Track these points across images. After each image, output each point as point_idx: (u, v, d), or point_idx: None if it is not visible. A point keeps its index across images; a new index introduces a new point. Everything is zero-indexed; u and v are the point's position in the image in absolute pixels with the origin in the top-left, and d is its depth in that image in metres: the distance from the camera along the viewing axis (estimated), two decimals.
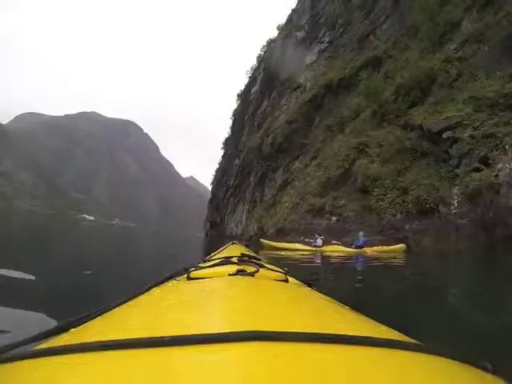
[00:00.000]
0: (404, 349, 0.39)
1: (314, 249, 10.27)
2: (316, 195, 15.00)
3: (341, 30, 26.96)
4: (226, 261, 1.11)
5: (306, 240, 11.11)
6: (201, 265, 1.17)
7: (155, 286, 0.85)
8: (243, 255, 1.30)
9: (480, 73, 11.71)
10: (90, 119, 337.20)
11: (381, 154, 12.50)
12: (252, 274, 0.86)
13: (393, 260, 7.37)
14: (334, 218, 12.90)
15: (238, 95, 47.42)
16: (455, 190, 9.88)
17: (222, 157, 49.37)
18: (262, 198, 27.30)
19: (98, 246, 9.36)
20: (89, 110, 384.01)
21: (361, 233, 10.29)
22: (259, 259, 1.35)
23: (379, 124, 14.52)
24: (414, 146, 11.81)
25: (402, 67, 15.64)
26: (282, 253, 9.02)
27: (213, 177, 51.45)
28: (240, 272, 0.88)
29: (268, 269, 1.04)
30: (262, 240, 11.73)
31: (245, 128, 40.67)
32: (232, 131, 47.62)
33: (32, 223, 16.03)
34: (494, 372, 0.40)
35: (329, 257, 8.30)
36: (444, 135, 10.79)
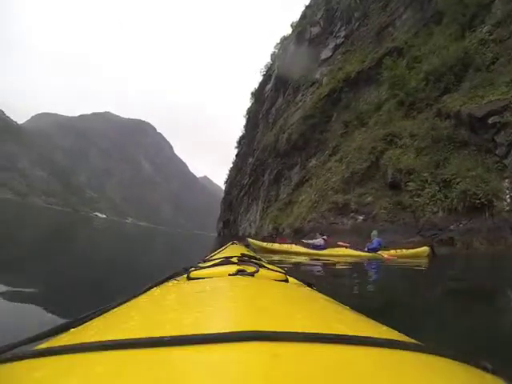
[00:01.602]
0: (404, 349, 0.38)
1: (314, 252, 8.49)
2: (338, 192, 13.42)
3: (357, 23, 25.33)
4: (226, 261, 1.09)
5: (305, 241, 9.36)
6: (201, 265, 1.15)
7: (155, 285, 0.83)
8: (243, 255, 1.29)
9: None
10: (104, 119, 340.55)
11: (414, 144, 10.97)
12: (252, 274, 0.85)
13: (419, 266, 5.95)
14: (361, 217, 11.33)
15: (252, 94, 46.18)
16: (506, 183, 8.36)
17: (236, 156, 48.13)
18: (277, 197, 25.92)
19: (103, 245, 8.08)
20: (103, 111, 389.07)
21: (374, 232, 8.71)
22: (259, 259, 1.34)
23: (407, 114, 13.03)
24: (451, 135, 10.29)
25: (429, 54, 14.22)
26: (275, 257, 7.12)
27: (226, 176, 50.52)
28: (240, 272, 0.86)
29: (268, 269, 1.01)
30: (249, 240, 9.71)
31: (259, 126, 39.44)
32: (246, 130, 46.43)
33: (44, 220, 15.28)
34: (494, 372, 0.38)
35: (333, 262, 6.68)
36: (490, 120, 9.26)
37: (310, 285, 1.08)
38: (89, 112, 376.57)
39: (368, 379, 0.30)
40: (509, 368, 0.39)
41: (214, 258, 1.49)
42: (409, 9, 19.87)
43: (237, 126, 60.83)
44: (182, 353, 0.33)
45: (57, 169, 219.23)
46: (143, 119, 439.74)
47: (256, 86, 45.72)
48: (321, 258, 7.73)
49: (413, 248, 7.88)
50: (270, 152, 29.95)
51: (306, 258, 7.72)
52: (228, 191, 46.42)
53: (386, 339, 0.39)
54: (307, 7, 35.52)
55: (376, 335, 0.40)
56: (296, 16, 38.64)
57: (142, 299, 0.70)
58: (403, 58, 15.51)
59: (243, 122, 48.85)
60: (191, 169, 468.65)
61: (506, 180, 8.38)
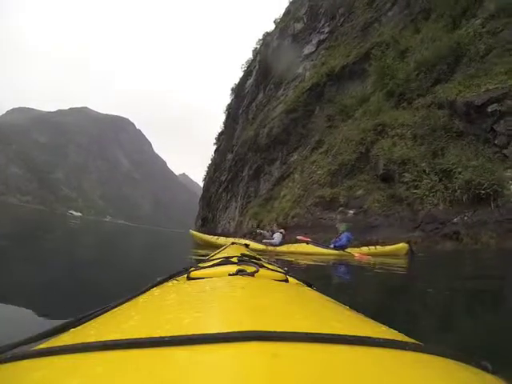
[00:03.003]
0: (404, 349, 0.38)
1: (267, 248, 7.34)
2: (325, 185, 12.44)
3: (342, 19, 24.67)
4: (226, 261, 1.07)
5: (259, 232, 8.36)
6: (201, 265, 1.14)
7: (155, 285, 0.84)
8: (243, 255, 1.28)
9: None
10: (82, 115, 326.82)
11: (407, 134, 10.20)
12: (252, 274, 0.83)
13: (399, 268, 4.90)
14: (352, 212, 10.36)
15: (232, 89, 44.85)
16: (509, 173, 7.71)
17: (215, 152, 46.63)
18: (256, 193, 24.88)
19: (73, 246, 6.69)
20: (81, 106, 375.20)
21: (344, 226, 7.56)
22: (259, 259, 1.32)
23: (398, 104, 12.30)
24: (446, 125, 9.62)
25: (417, 47, 13.70)
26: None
27: (205, 173, 48.88)
28: (240, 272, 0.85)
29: (268, 269, 1.00)
30: (192, 232, 8.61)
31: (239, 122, 38.30)
32: (225, 126, 45.09)
33: (12, 219, 13.39)
34: (494, 372, 0.39)
35: (290, 261, 5.39)
36: (489, 108, 8.63)
37: (309, 285, 1.05)
38: (66, 107, 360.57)
39: (368, 379, 0.30)
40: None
41: (213, 258, 1.51)
42: (395, 5, 19.39)
43: (216, 123, 59.29)
44: (182, 353, 0.33)
45: (33, 165, 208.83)
46: (122, 115, 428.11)
47: (237, 81, 44.53)
48: (275, 254, 6.61)
49: (388, 245, 6.95)
50: (249, 147, 28.87)
51: (258, 254, 6.47)
52: (206, 188, 44.97)
53: (385, 339, 0.39)
54: (291, 3, 34.74)
55: (376, 335, 0.39)
56: (280, 12, 37.81)
57: (142, 299, 0.69)
58: (392, 50, 14.90)
59: (223, 118, 47.51)
60: (170, 166, 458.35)
61: (509, 170, 7.73)
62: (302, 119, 21.78)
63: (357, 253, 6.44)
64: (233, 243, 3.07)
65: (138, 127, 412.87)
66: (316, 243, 7.37)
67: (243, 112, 37.76)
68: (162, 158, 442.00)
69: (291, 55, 28.64)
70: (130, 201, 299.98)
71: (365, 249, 6.92)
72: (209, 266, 1.00)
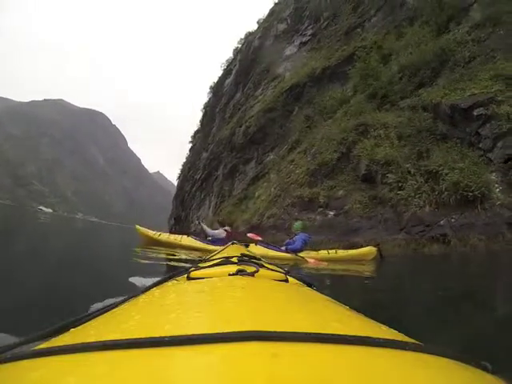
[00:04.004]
0: (404, 349, 0.38)
1: (208, 247, 6.39)
2: (304, 185, 11.90)
3: (326, 23, 24.55)
4: (226, 261, 1.07)
5: (203, 227, 7.44)
6: (201, 265, 1.16)
7: (155, 285, 0.84)
8: (243, 255, 1.29)
9: (498, 55, 9.83)
10: (56, 107, 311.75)
11: (390, 135, 9.84)
12: (252, 274, 0.83)
13: (362, 276, 4.27)
14: (332, 213, 9.80)
15: (211, 88, 43.90)
16: (493, 176, 7.51)
17: (190, 150, 45.41)
18: (230, 193, 24.09)
19: (39, 244, 5.72)
20: (56, 98, 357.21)
21: (299, 224, 6.60)
22: (259, 259, 1.33)
23: (380, 106, 12.04)
24: (430, 127, 9.39)
25: (400, 51, 13.63)
26: (163, 251, 5.50)
27: (179, 171, 47.32)
28: (240, 272, 0.84)
29: (268, 269, 1.00)
30: (137, 227, 7.68)
31: (215, 120, 37.42)
32: (201, 124, 44.03)
33: None
34: (494, 372, 0.38)
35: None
36: (475, 112, 8.46)
37: (310, 285, 1.05)
38: (40, 98, 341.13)
39: (368, 379, 0.30)
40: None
41: (213, 258, 1.49)
42: (380, 12, 19.44)
43: (193, 121, 57.74)
44: (182, 353, 0.33)
45: (3, 159, 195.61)
46: (98, 109, 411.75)
47: (216, 80, 43.60)
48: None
49: (353, 248, 6.21)
50: (225, 146, 28.09)
51: (199, 254, 5.77)
52: (180, 187, 43.80)
53: (386, 339, 0.39)
54: (276, 4, 34.46)
55: (376, 335, 0.39)
56: (264, 13, 37.45)
57: (142, 299, 0.69)
58: (375, 54, 14.73)
59: (200, 116, 46.30)
60: (145, 164, 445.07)
61: (494, 174, 7.53)
62: (280, 119, 21.32)
63: (312, 257, 5.47)
64: (233, 243, 2.98)
65: (114, 122, 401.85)
66: (266, 244, 6.38)
67: (220, 111, 36.98)
68: (137, 155, 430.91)
69: (272, 55, 28.28)
70: (103, 198, 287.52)
71: (323, 252, 5.96)
72: (209, 266, 1.00)
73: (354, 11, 21.90)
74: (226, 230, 7.16)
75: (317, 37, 24.72)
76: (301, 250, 5.93)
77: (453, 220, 6.71)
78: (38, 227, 10.21)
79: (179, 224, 37.12)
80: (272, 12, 34.37)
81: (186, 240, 6.80)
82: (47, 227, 11.20)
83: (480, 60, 10.27)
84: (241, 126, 25.91)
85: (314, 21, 25.98)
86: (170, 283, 0.88)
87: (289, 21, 29.34)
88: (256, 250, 5.97)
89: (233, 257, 1.20)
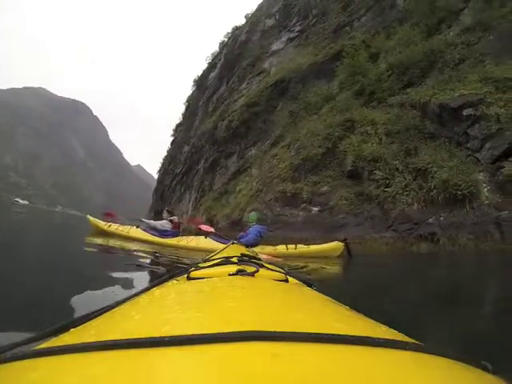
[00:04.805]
0: (404, 349, 0.38)
1: (154, 239, 6.12)
2: (286, 180, 11.47)
3: (314, 20, 24.35)
4: (226, 261, 1.07)
5: (145, 221, 7.12)
6: (201, 265, 1.15)
7: (155, 285, 0.84)
8: (243, 255, 1.29)
9: (488, 59, 9.79)
10: (37, 95, 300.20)
11: (378, 132, 9.60)
12: (252, 274, 0.83)
13: (325, 276, 3.72)
14: (316, 209, 9.43)
15: (195, 81, 42.99)
16: (480, 176, 7.39)
17: (171, 143, 44.32)
18: (211, 187, 23.54)
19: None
20: (36, 86, 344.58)
21: (253, 215, 5.94)
22: (259, 259, 1.33)
23: (368, 102, 11.84)
24: (418, 125, 9.22)
25: (389, 50, 13.51)
26: (112, 242, 5.22)
27: (160, 164, 46.01)
28: (240, 272, 0.84)
29: (268, 269, 0.99)
30: (89, 218, 7.52)
31: (198, 114, 36.57)
32: (184, 117, 43.02)
33: None
34: (494, 372, 0.38)
35: (179, 258, 4.27)
36: (464, 112, 8.34)
37: (310, 285, 1.03)
38: (20, 86, 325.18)
39: (368, 379, 0.30)
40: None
41: (214, 258, 1.48)
42: (369, 12, 19.32)
43: (176, 115, 56.26)
44: (182, 353, 0.33)
45: None
46: (79, 99, 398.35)
47: (200, 73, 42.64)
48: (166, 249, 5.46)
49: (317, 243, 5.42)
50: (207, 139, 27.44)
51: (148, 247, 5.48)
52: (161, 180, 42.97)
53: (386, 339, 0.38)
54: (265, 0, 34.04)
55: (376, 335, 0.39)
56: (252, 8, 36.92)
57: (142, 299, 0.69)
58: (364, 51, 14.53)
59: (183, 109, 45.12)
60: (126, 156, 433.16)
61: (481, 174, 7.41)
62: (264, 114, 20.93)
63: (267, 253, 4.70)
64: (233, 243, 2.77)
65: (95, 113, 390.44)
66: (217, 237, 5.85)
67: (203, 104, 36.25)
68: (118, 147, 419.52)
69: (259, 50, 27.84)
70: (82, 190, 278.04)
71: (281, 248, 5.32)
72: (209, 266, 1.00)
73: (343, 10, 21.72)
74: (171, 221, 6.56)
75: (305, 33, 24.44)
76: (254, 245, 5.23)
77: (441, 218, 6.52)
78: (14, 221, 9.41)
79: (159, 218, 35.93)
80: (261, 7, 33.93)
81: (134, 231, 6.51)
82: (23, 221, 10.38)
83: (469, 63, 10.22)
84: (223, 120, 25.31)
85: (303, 17, 25.70)
86: (169, 283, 0.88)
87: (277, 16, 28.96)
88: (204, 243, 5.62)
89: (233, 257, 1.21)
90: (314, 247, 5.31)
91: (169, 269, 3.26)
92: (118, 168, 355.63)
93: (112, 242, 5.45)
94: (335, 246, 5.23)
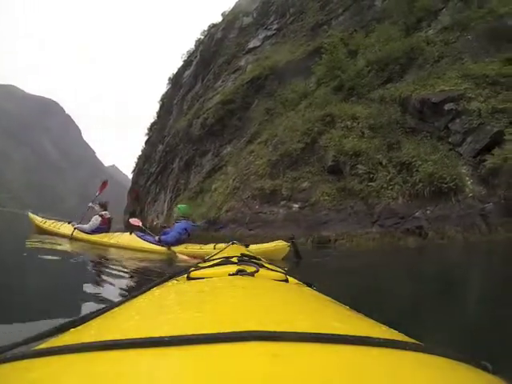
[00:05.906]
0: (404, 349, 0.37)
1: (84, 237, 5.65)
2: (264, 177, 11.02)
3: (292, 18, 24.21)
4: (226, 261, 1.07)
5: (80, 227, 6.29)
6: (201, 265, 1.13)
7: (155, 285, 0.83)
8: (243, 255, 1.29)
9: (466, 57, 9.87)
10: (7, 93, 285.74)
11: (358, 126, 9.35)
12: (252, 274, 0.83)
13: None
14: (297, 205, 9.01)
15: (170, 79, 41.75)
16: (463, 170, 7.27)
17: (146, 143, 42.74)
18: (186, 186, 22.77)
19: None
20: (6, 83, 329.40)
21: (181, 207, 5.31)
22: (259, 259, 1.32)
23: (347, 98, 11.62)
24: (399, 120, 9.05)
25: (369, 47, 13.39)
26: (48, 243, 4.72)
27: (134, 164, 44.14)
28: (240, 272, 0.84)
29: (268, 269, 1.00)
30: (30, 215, 7.22)
31: (172, 112, 35.48)
32: (158, 116, 41.67)
33: None
34: (494, 372, 0.38)
35: (99, 258, 4.02)
36: (446, 107, 8.24)
37: (310, 285, 1.03)
38: None
39: (368, 379, 0.30)
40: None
41: (214, 258, 1.47)
42: (347, 11, 19.31)
43: (151, 114, 54.48)
44: (182, 353, 0.32)
45: None
46: (51, 98, 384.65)
47: (175, 71, 41.43)
48: (93, 246, 5.19)
49: (258, 243, 4.40)
50: (181, 138, 26.58)
51: (79, 244, 5.26)
52: (135, 181, 41.43)
53: (386, 339, 0.38)
54: None
55: (376, 335, 0.39)
56: (229, 6, 36.32)
57: (142, 299, 0.69)
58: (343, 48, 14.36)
59: (157, 108, 43.60)
60: (99, 156, 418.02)
61: (464, 167, 7.30)
62: (239, 111, 20.51)
63: (189, 253, 4.26)
64: (233, 243, 2.90)
65: (67, 112, 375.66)
66: (142, 234, 5.24)
67: (178, 102, 35.29)
68: (92, 147, 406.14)
69: (235, 48, 27.34)
70: (55, 192, 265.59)
71: (209, 247, 4.47)
72: (209, 266, 0.99)
73: (321, 9, 21.66)
74: (100, 216, 5.98)
75: (282, 31, 24.23)
76: (175, 243, 4.65)
77: (428, 212, 6.34)
78: None
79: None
80: (238, 5, 33.42)
81: (64, 228, 6.15)
82: None
83: (448, 60, 10.28)
84: (198, 118, 24.59)
85: (281, 16, 25.49)
86: (169, 283, 0.87)
87: (255, 14, 28.62)
88: (127, 240, 5.13)
89: (233, 257, 1.21)
90: (254, 247, 4.15)
91: None
92: (91, 168, 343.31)
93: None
94: (279, 245, 4.26)
